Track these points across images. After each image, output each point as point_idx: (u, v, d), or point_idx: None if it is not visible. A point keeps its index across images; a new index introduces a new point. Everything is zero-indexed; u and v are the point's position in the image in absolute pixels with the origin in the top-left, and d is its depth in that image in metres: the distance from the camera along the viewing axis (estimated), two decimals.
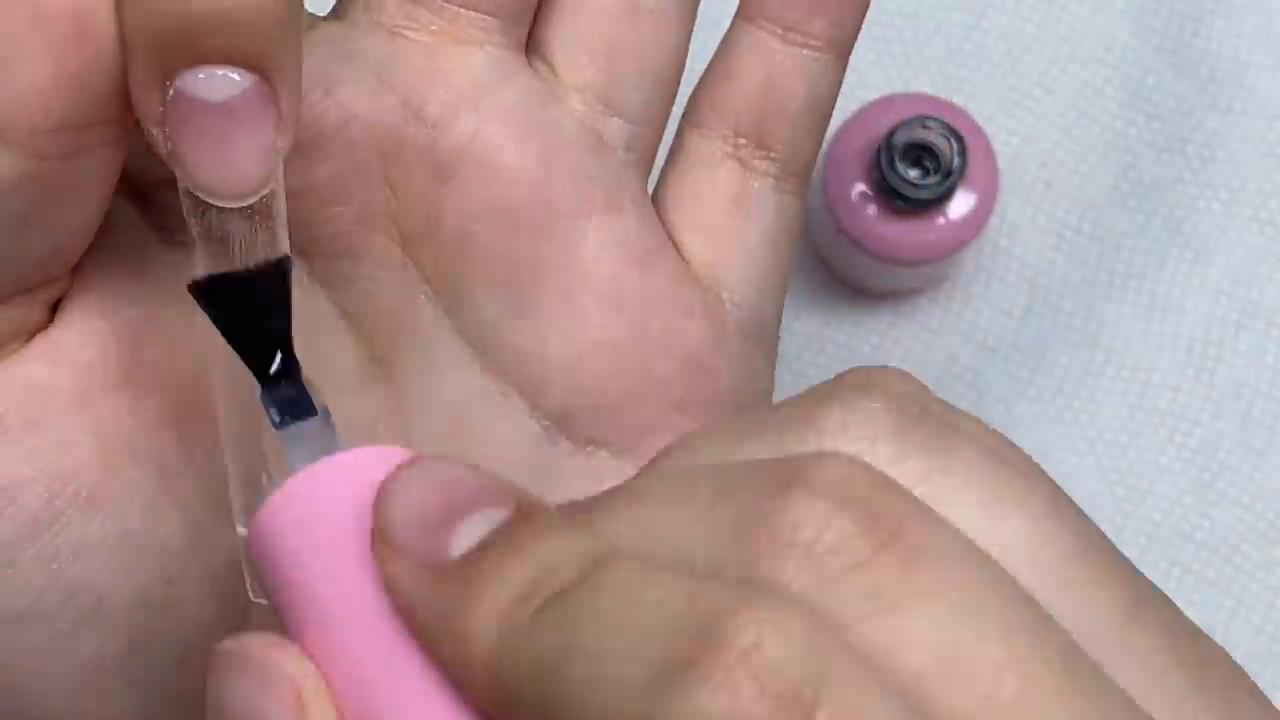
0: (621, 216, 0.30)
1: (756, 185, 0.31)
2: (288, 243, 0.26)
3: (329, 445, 0.24)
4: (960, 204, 0.46)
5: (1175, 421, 0.49)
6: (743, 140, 0.31)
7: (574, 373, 0.30)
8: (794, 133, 0.31)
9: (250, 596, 0.27)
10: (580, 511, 0.21)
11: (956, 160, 0.44)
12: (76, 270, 0.26)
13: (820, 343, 0.49)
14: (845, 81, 0.50)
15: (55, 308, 0.26)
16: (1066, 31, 0.50)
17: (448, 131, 0.29)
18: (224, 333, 0.24)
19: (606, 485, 0.29)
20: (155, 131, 0.23)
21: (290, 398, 0.24)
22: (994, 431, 0.23)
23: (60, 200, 0.24)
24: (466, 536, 0.20)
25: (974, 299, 0.49)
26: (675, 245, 0.31)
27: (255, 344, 0.24)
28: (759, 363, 0.32)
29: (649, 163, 0.32)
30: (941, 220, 0.46)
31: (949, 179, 0.45)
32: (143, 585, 0.26)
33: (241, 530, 0.27)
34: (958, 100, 0.48)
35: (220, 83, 0.23)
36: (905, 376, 0.22)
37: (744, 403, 0.31)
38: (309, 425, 0.24)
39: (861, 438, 0.21)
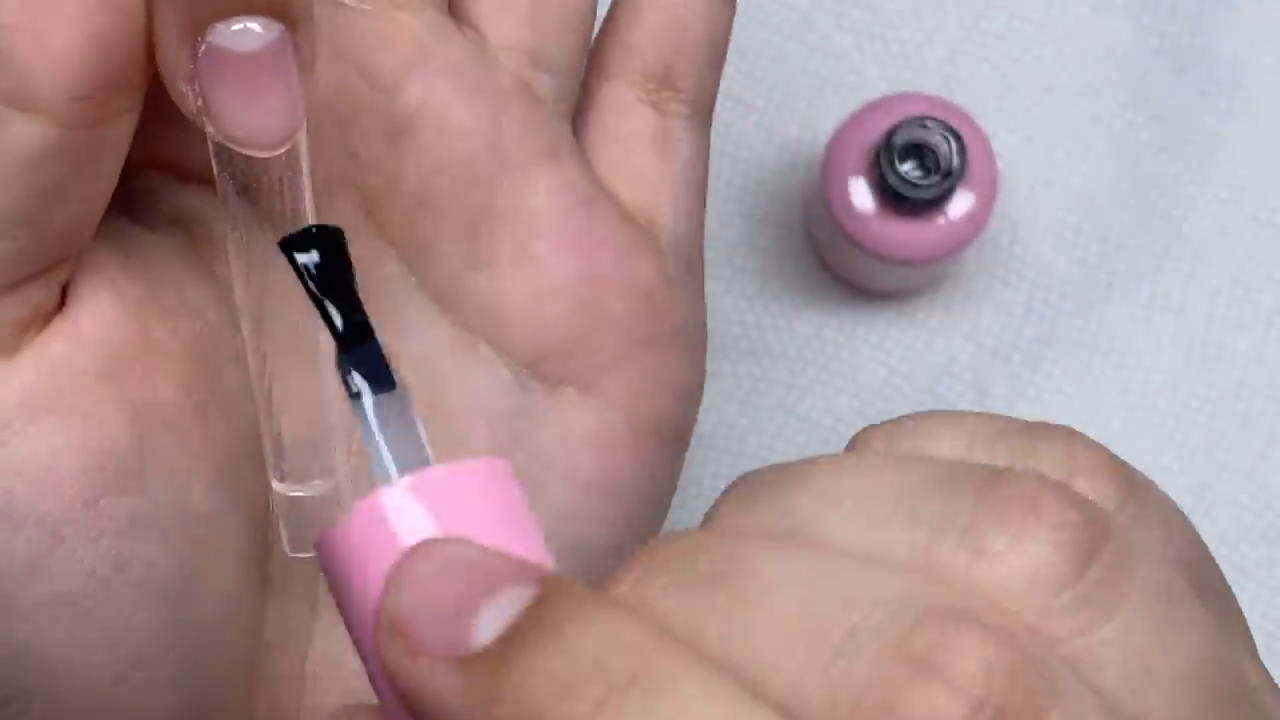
0: (563, 164, 0.31)
1: (672, 126, 0.33)
2: (311, 194, 0.27)
3: (409, 430, 0.22)
4: (960, 204, 0.46)
5: (1175, 421, 0.49)
6: (652, 84, 0.33)
7: (536, 317, 0.31)
8: (698, 70, 0.33)
9: (286, 551, 0.27)
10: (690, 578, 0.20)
11: (956, 160, 0.44)
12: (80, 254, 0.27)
13: (820, 343, 0.49)
14: (845, 81, 0.50)
15: (63, 293, 0.27)
16: (1067, 31, 0.50)
17: (401, 94, 0.30)
18: (310, 287, 0.23)
19: (580, 423, 0.31)
20: (185, 89, 0.24)
21: (371, 365, 0.22)
22: (1174, 536, 0.21)
23: (82, 171, 0.25)
24: (492, 623, 0.19)
25: (974, 299, 0.49)
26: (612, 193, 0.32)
27: (337, 300, 0.23)
28: (697, 294, 0.33)
29: (571, 113, 0.33)
30: (941, 220, 0.46)
31: (949, 179, 0.45)
32: (180, 556, 0.27)
33: (277, 486, 0.27)
34: (958, 100, 0.48)
35: (250, 34, 0.24)
36: (1088, 481, 0.21)
37: (693, 334, 0.33)
38: (390, 399, 0.22)
39: (1022, 580, 0.19)
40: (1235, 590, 0.50)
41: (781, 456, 0.48)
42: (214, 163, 0.25)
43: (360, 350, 0.22)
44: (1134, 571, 0.20)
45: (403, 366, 0.30)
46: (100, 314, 0.26)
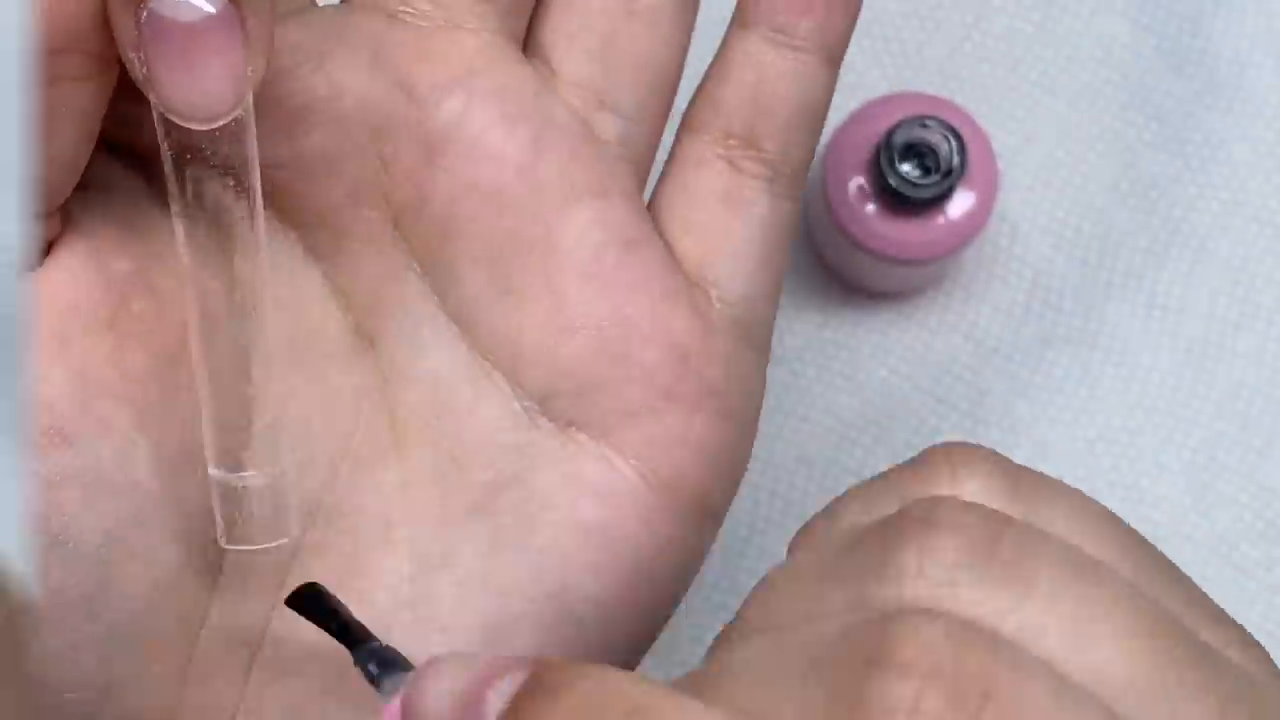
0: (608, 203, 0.30)
1: (746, 185, 0.32)
2: (258, 173, 0.27)
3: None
4: (960, 203, 0.46)
5: (1175, 421, 0.49)
6: (733, 141, 0.32)
7: (553, 353, 0.30)
8: (785, 135, 0.32)
9: (221, 543, 0.27)
10: (681, 688, 0.22)
11: (956, 160, 0.44)
12: (70, 219, 0.27)
13: (820, 343, 0.49)
14: (845, 81, 0.50)
15: (48, 252, 0.27)
16: (1066, 32, 0.51)
17: (437, 110, 0.29)
18: (326, 627, 0.27)
19: (586, 469, 0.30)
20: (131, 56, 0.25)
21: (385, 658, 0.26)
22: (1075, 515, 0.23)
23: (38, 129, 0.25)
24: (497, 701, 0.21)
25: (974, 299, 0.49)
26: (668, 244, 0.31)
27: (343, 628, 0.27)
28: (750, 362, 0.32)
29: (645, 162, 0.32)
30: (941, 220, 0.46)
31: (949, 178, 0.45)
32: (112, 523, 0.27)
33: (214, 471, 0.27)
34: (958, 100, 0.48)
35: (190, 6, 0.24)
36: (977, 482, 0.23)
37: (734, 401, 0.31)
38: (406, 677, 0.25)
39: (941, 583, 0.21)
40: (1235, 590, 0.50)
41: (781, 457, 0.48)
42: (157, 131, 0.26)
43: (371, 650, 0.26)
44: (1040, 548, 0.21)
45: (414, 384, 0.30)
46: (71, 279, 0.27)
